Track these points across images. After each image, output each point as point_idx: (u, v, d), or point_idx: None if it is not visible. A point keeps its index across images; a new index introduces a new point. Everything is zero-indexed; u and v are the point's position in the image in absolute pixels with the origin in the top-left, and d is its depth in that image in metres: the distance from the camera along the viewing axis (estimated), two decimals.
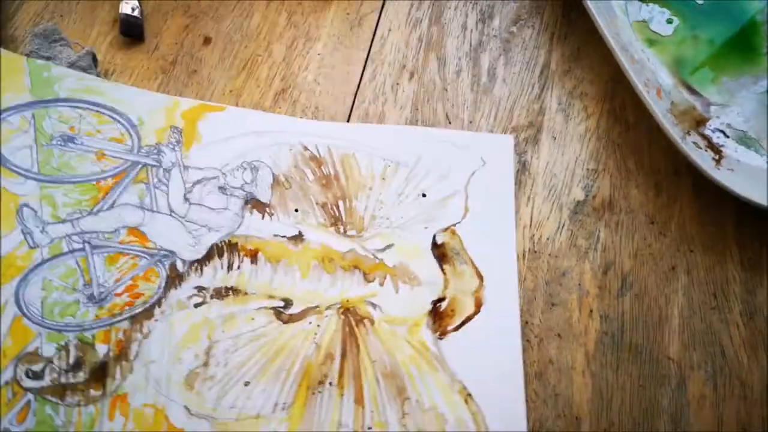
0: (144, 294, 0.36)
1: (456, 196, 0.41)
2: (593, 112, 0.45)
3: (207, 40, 0.46)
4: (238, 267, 0.38)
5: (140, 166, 0.39)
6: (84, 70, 0.40)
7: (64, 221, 0.37)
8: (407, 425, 0.34)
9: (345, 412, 0.35)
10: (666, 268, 0.40)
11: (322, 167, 0.41)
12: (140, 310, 0.36)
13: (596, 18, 0.44)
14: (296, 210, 0.40)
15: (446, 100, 0.45)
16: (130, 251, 0.37)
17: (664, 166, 0.43)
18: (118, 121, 0.40)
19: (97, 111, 0.40)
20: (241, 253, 0.38)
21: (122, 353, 0.34)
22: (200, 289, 0.37)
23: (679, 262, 0.40)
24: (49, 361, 0.34)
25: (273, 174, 0.40)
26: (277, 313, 0.37)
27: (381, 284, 0.38)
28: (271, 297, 0.37)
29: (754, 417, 0.36)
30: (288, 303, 0.37)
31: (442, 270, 0.39)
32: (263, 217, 0.39)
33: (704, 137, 0.43)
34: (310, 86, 0.45)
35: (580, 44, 0.48)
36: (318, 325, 0.37)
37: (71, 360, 0.34)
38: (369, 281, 0.38)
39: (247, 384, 0.35)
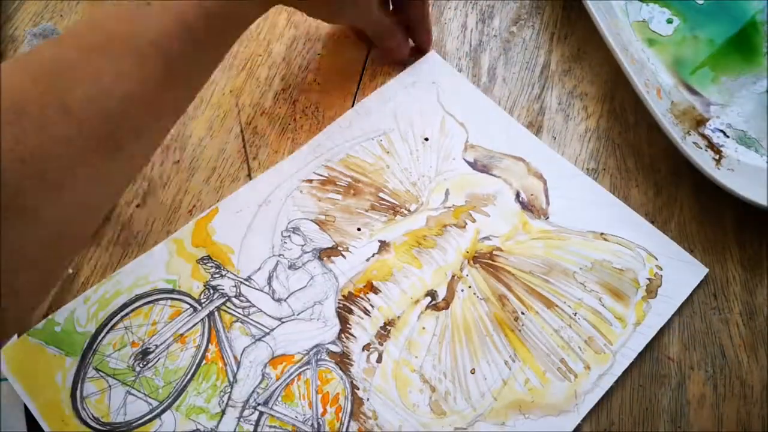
0: (338, 393, 0.35)
1: (445, 119, 0.44)
2: (593, 112, 0.45)
3: None
4: (371, 306, 0.37)
5: (216, 312, 0.37)
6: None
7: (223, 413, 0.34)
8: (588, 284, 0.38)
9: (552, 321, 0.37)
10: None
11: (337, 183, 0.41)
12: (350, 408, 0.35)
13: (596, 18, 0.44)
14: (359, 229, 0.40)
15: None
16: (290, 378, 0.35)
17: (664, 166, 0.43)
18: (156, 301, 0.37)
19: (132, 310, 0.36)
20: (361, 295, 0.38)
21: None
22: (367, 346, 0.36)
23: None
24: None
25: (311, 220, 0.40)
26: (435, 307, 0.38)
27: (473, 221, 0.40)
28: (417, 302, 0.38)
29: (754, 417, 0.36)
30: (432, 293, 0.38)
31: (494, 176, 0.42)
32: (344, 257, 0.39)
33: (704, 137, 0.43)
34: (310, 86, 0.45)
35: (580, 44, 0.48)
36: (469, 287, 0.38)
37: None
38: (463, 227, 0.40)
39: (473, 371, 0.36)
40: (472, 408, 0.35)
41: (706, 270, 0.39)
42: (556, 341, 0.37)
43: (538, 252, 0.39)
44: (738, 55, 0.46)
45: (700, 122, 0.43)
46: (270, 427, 0.34)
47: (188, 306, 0.37)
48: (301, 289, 0.38)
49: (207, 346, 0.36)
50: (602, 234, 0.40)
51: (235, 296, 0.37)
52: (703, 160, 0.40)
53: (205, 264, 0.38)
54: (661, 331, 0.38)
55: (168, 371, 0.35)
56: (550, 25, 0.49)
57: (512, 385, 0.35)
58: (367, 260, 0.39)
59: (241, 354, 0.36)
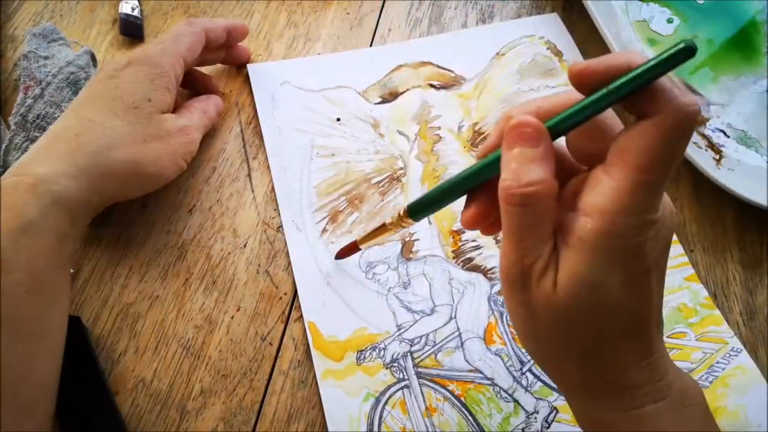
0: None
1: (327, 96, 0.44)
2: None
3: None
4: (473, 240, 0.40)
5: (416, 371, 0.36)
6: (82, 68, 0.40)
7: (516, 401, 0.35)
8: (532, 85, 0.46)
9: None
10: None
11: (340, 209, 0.40)
12: None
13: (596, 18, 0.44)
14: None
15: None
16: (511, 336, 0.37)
17: None
18: (383, 416, 0.35)
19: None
20: (460, 244, 0.40)
21: None
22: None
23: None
24: None
25: (368, 248, 0.38)
26: None
27: (439, 128, 0.44)
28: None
29: None
30: None
31: (405, 92, 0.45)
32: (417, 240, 0.39)
33: (704, 137, 0.43)
34: None
35: (580, 44, 0.48)
36: None
37: None
38: (440, 139, 0.43)
39: None
40: None
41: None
42: None
43: (491, 101, 0.44)
44: (738, 55, 0.46)
45: (700, 122, 0.43)
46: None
47: (399, 388, 0.35)
48: (431, 288, 0.38)
49: (449, 393, 0.35)
50: (498, 53, 0.47)
51: (411, 347, 0.36)
52: (703, 160, 0.40)
53: (365, 359, 0.35)
54: None
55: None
56: None
57: None
58: (430, 224, 0.40)
59: (469, 367, 0.36)
